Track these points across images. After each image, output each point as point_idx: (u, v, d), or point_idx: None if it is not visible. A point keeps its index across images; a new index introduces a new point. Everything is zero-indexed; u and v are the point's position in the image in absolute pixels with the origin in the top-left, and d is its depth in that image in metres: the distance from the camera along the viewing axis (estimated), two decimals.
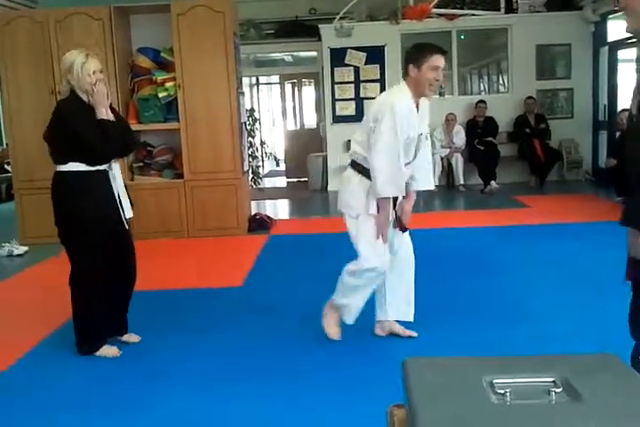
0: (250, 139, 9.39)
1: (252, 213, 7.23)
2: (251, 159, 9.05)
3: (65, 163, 3.25)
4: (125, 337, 3.55)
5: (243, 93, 7.12)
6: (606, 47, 9.22)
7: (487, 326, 3.52)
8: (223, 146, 6.49)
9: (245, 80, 10.26)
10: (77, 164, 3.22)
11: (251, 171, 8.99)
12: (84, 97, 3.24)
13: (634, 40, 8.42)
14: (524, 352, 3.03)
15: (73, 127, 3.18)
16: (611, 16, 8.97)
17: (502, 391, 1.29)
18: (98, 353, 3.36)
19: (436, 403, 1.27)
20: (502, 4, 9.51)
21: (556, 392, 1.28)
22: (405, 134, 3.08)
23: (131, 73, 6.61)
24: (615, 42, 9.01)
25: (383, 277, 3.31)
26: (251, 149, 9.42)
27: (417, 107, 3.16)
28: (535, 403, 1.27)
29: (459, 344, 3.28)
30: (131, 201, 3.48)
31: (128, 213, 3.40)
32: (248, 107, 9.93)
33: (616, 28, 9.02)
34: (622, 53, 9.03)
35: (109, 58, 6.34)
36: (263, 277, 4.93)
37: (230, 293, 4.55)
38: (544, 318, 3.59)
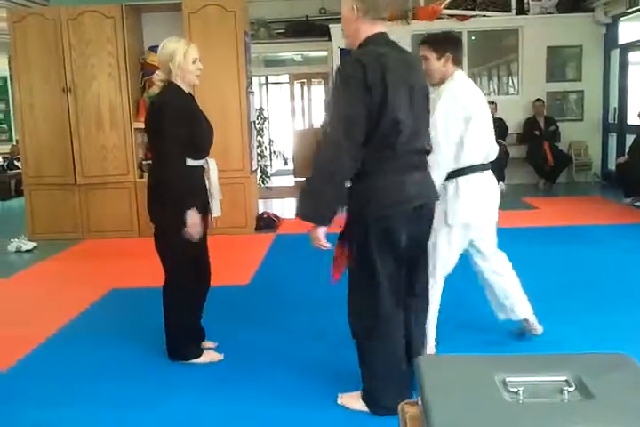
0: (259, 138, 9.39)
1: (260, 211, 7.24)
2: (259, 158, 9.05)
3: None
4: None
5: (252, 93, 7.12)
6: (617, 49, 9.18)
7: (495, 327, 3.51)
8: (232, 145, 6.50)
9: (255, 79, 10.27)
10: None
11: (259, 170, 8.99)
12: (184, 86, 3.11)
13: None
14: (534, 353, 3.02)
15: (164, 131, 3.00)
16: (622, 18, 8.94)
17: (515, 390, 1.29)
18: (202, 360, 3.25)
19: (450, 401, 1.27)
20: (513, 6, 9.49)
21: (568, 391, 1.28)
22: None
23: (142, 71, 6.63)
24: (626, 44, 8.97)
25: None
26: (259, 148, 9.42)
27: None
28: (548, 402, 1.27)
29: (470, 343, 3.29)
30: None
31: (216, 211, 3.27)
32: (257, 106, 9.93)
33: (627, 31, 8.99)
34: (633, 56, 8.99)
35: (120, 56, 6.38)
36: (270, 276, 4.93)
37: (237, 291, 4.56)
38: (552, 320, 3.57)
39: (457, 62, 3.11)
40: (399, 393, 2.41)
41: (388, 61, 2.40)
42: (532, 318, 3.39)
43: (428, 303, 2.82)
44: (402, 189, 2.47)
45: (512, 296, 3.31)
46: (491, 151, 3.13)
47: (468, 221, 3.09)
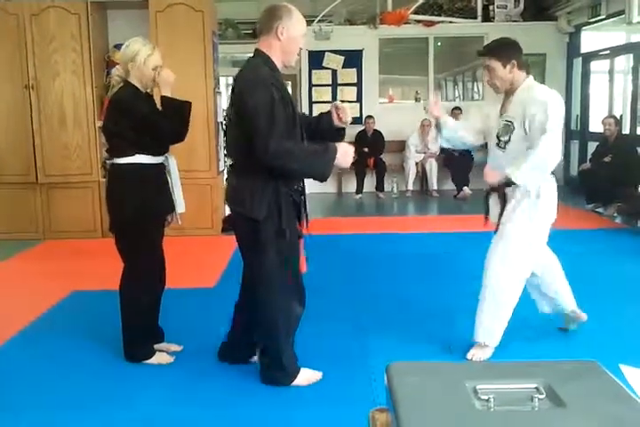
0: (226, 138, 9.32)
1: (227, 213, 7.18)
2: (226, 159, 8.98)
3: (131, 154, 3.06)
4: (164, 345, 3.37)
5: (220, 93, 7.07)
6: (580, 58, 9.37)
7: (466, 332, 3.53)
8: (199, 145, 6.44)
9: (222, 80, 10.19)
10: (142, 156, 3.06)
11: (226, 171, 8.93)
12: (141, 87, 3.10)
13: (607, 52, 8.59)
14: (505, 358, 3.06)
15: (140, 112, 3.03)
16: (585, 28, 9.13)
17: (486, 397, 1.29)
18: (151, 361, 3.21)
19: (421, 409, 1.27)
20: (479, 13, 9.62)
21: (539, 399, 1.29)
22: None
23: (107, 69, 6.51)
24: (589, 53, 9.17)
25: None
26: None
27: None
28: (519, 409, 1.28)
29: (440, 350, 3.29)
30: None
31: (180, 207, 3.28)
32: (225, 106, 9.85)
33: (590, 40, 9.19)
34: (595, 65, 9.19)
35: (85, 53, 6.26)
36: (236, 279, 4.86)
37: (203, 293, 4.52)
38: (519, 323, 3.60)
39: (522, 67, 3.13)
40: None
41: None
42: (577, 309, 3.48)
43: (256, 312, 2.94)
44: None
45: (562, 288, 3.40)
46: None
47: (552, 220, 3.22)
